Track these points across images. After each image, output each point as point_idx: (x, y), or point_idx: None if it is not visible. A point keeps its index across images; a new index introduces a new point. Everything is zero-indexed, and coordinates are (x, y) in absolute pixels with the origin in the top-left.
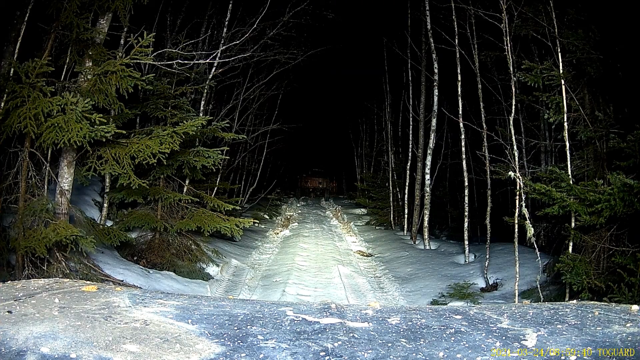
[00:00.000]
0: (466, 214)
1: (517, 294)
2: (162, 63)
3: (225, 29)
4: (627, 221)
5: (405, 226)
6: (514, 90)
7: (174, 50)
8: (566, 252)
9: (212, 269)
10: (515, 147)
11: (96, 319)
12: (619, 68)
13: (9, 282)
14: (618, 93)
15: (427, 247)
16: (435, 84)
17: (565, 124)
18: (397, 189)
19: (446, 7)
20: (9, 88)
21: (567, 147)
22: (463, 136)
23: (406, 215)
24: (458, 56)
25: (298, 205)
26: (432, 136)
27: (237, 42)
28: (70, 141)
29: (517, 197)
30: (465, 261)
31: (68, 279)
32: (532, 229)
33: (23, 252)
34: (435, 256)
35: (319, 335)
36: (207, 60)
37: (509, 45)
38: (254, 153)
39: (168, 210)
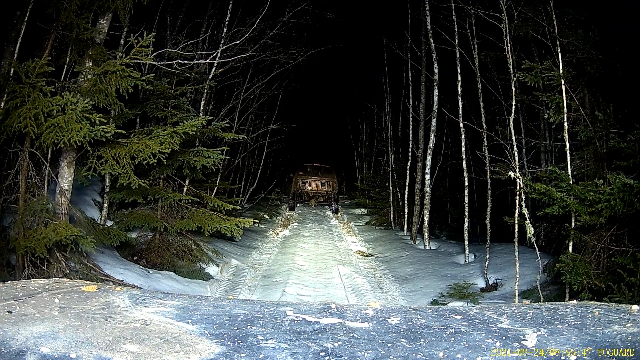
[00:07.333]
0: (466, 214)
1: (517, 294)
2: (162, 63)
3: (225, 29)
4: (627, 221)
5: (405, 226)
6: (514, 90)
7: (174, 50)
8: (566, 252)
9: (212, 269)
10: (515, 147)
11: (96, 319)
12: (619, 68)
13: (9, 282)
14: (618, 93)
15: (427, 247)
16: (435, 84)
17: (565, 124)
18: (397, 189)
19: (446, 7)
20: (9, 88)
21: (567, 147)
22: (463, 136)
23: (406, 215)
24: (458, 56)
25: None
26: (432, 136)
27: (237, 42)
28: (70, 141)
29: (517, 197)
30: (465, 261)
31: (68, 279)
32: (532, 229)
33: (23, 252)
34: (435, 256)
35: (319, 335)
36: (207, 60)
37: (509, 45)
38: (254, 153)
39: (168, 210)
